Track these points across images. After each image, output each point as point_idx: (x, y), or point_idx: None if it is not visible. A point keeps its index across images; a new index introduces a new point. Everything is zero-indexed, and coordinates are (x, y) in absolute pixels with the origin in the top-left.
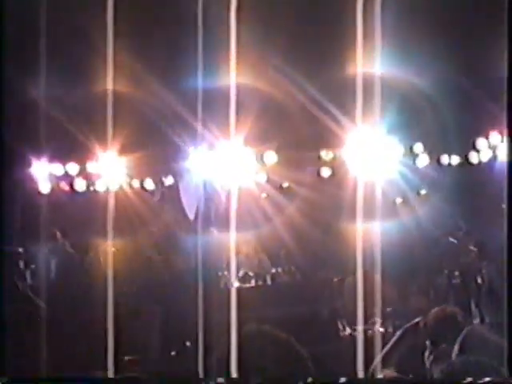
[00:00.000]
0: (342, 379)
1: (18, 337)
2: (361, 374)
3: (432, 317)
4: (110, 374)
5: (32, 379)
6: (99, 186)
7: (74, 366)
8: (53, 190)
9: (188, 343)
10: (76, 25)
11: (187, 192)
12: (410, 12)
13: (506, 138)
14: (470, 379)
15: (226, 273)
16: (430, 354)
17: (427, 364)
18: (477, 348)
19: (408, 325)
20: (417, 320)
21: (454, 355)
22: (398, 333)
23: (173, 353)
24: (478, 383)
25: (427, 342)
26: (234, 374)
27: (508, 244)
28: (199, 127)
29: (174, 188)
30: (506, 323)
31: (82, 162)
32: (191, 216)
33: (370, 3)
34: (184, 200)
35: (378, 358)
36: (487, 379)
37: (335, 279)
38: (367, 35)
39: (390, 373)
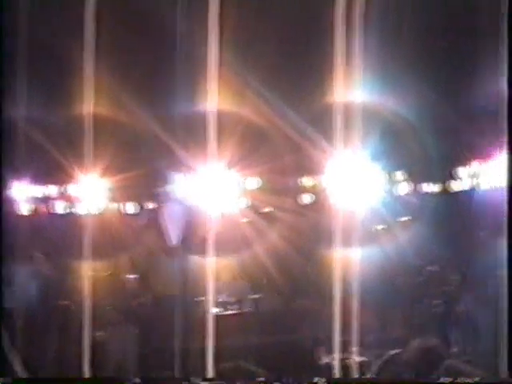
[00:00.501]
0: None
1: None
2: None
3: (412, 349)
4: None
5: (32, 379)
6: (79, 209)
7: None
8: (32, 212)
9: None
10: (56, 47)
11: (169, 217)
12: (391, 39)
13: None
14: (469, 379)
15: (203, 298)
16: None
17: None
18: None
19: (386, 357)
20: (395, 352)
21: None
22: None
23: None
24: (478, 383)
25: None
26: None
27: (508, 253)
28: (180, 151)
29: (156, 212)
30: (506, 323)
31: (62, 185)
32: (173, 241)
33: (350, 29)
34: (166, 224)
35: None
36: (487, 379)
37: (315, 307)
38: (348, 61)
39: None
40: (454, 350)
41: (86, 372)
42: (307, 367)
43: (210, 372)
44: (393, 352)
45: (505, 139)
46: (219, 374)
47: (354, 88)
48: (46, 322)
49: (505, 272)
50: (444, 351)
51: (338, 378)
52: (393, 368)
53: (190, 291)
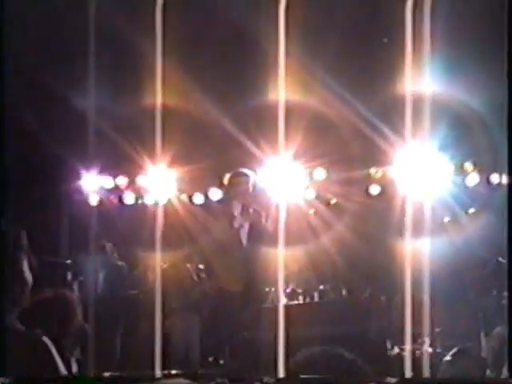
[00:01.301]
0: None
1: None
2: None
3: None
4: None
5: (32, 379)
6: (148, 199)
7: None
8: (102, 202)
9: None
10: (126, 38)
11: (238, 207)
12: (460, 30)
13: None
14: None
15: (273, 289)
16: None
17: None
18: None
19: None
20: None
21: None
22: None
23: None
24: (479, 383)
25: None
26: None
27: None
28: (248, 143)
29: (225, 203)
30: (507, 324)
31: (131, 175)
32: (242, 231)
33: (419, 19)
34: (236, 215)
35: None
36: (488, 379)
37: (383, 297)
38: (417, 52)
39: None
40: None
41: (157, 362)
42: (377, 358)
43: (281, 364)
44: (464, 345)
45: None
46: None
47: (423, 78)
48: (115, 311)
49: None
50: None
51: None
52: (464, 361)
53: (259, 281)
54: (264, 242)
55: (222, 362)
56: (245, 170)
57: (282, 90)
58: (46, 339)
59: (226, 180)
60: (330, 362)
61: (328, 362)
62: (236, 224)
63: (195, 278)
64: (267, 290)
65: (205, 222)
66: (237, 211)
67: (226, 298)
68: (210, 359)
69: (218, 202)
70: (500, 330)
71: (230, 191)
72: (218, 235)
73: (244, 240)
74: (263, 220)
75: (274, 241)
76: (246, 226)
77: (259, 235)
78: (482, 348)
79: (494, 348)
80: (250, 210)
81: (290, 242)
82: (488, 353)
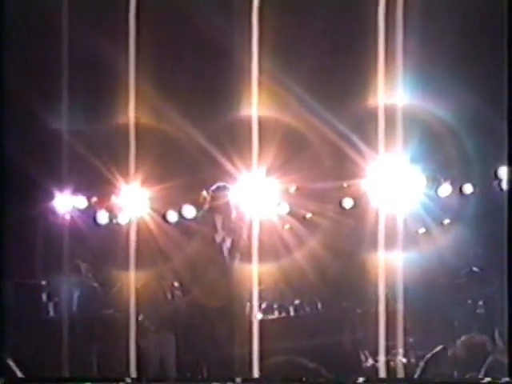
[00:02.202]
0: None
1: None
2: None
3: (460, 345)
4: None
5: (31, 379)
6: (121, 219)
7: None
8: (76, 222)
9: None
10: (98, 55)
11: (213, 224)
12: (431, 42)
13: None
14: (488, 379)
15: (248, 304)
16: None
17: None
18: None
19: (430, 354)
20: (439, 348)
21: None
22: (422, 363)
23: None
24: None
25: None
26: None
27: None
28: (222, 159)
29: (199, 220)
30: (506, 324)
31: (104, 195)
32: (216, 247)
33: (391, 33)
34: (210, 232)
35: None
36: (488, 379)
37: (358, 310)
38: (390, 65)
39: None
40: (499, 347)
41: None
42: (352, 369)
43: (256, 372)
44: (438, 349)
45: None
46: (268, 370)
47: (395, 91)
48: (91, 331)
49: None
50: (489, 348)
51: (383, 378)
52: (437, 366)
53: (239, 297)
54: (246, 256)
55: (200, 377)
56: (226, 184)
57: (255, 105)
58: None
59: (208, 193)
60: (294, 370)
61: (291, 370)
62: (218, 238)
63: (169, 296)
64: (246, 305)
65: (184, 237)
66: (219, 225)
67: (205, 315)
68: (188, 375)
69: (200, 216)
70: (473, 336)
71: (211, 205)
72: (200, 250)
73: (226, 254)
74: (244, 234)
75: (248, 256)
76: (228, 241)
77: (241, 249)
78: (455, 355)
79: (467, 355)
80: (231, 224)
81: (265, 257)
82: (461, 359)
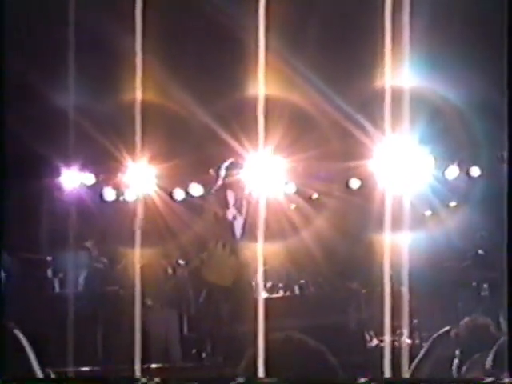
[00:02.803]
0: None
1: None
2: None
3: (463, 327)
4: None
5: (31, 379)
6: (128, 196)
7: None
8: (83, 199)
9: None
10: (105, 33)
11: (219, 203)
12: (440, 24)
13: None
14: (490, 379)
15: (253, 283)
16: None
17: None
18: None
19: (436, 334)
20: (445, 329)
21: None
22: (427, 344)
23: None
24: (481, 383)
25: (457, 352)
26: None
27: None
28: (228, 138)
29: (206, 199)
30: (506, 323)
31: (111, 172)
32: (223, 226)
33: (398, 13)
34: (216, 210)
35: (409, 370)
36: (490, 379)
37: (363, 291)
38: (396, 46)
39: None
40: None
41: (137, 357)
42: (356, 350)
43: (261, 347)
44: (444, 330)
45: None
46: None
47: (402, 72)
48: (96, 307)
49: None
50: (493, 330)
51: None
52: (441, 347)
53: (249, 275)
54: (255, 235)
55: (204, 355)
56: (238, 160)
57: (262, 84)
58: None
59: (222, 169)
60: (293, 347)
61: (291, 347)
62: (229, 215)
63: (170, 272)
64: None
65: (193, 214)
66: (231, 202)
67: (214, 292)
68: (193, 351)
69: (211, 193)
70: (476, 317)
71: (224, 181)
72: (209, 228)
73: (237, 233)
74: (243, 215)
75: (254, 236)
76: (240, 218)
77: (253, 228)
78: (460, 336)
79: (471, 337)
80: (244, 202)
81: (270, 236)
82: (465, 341)
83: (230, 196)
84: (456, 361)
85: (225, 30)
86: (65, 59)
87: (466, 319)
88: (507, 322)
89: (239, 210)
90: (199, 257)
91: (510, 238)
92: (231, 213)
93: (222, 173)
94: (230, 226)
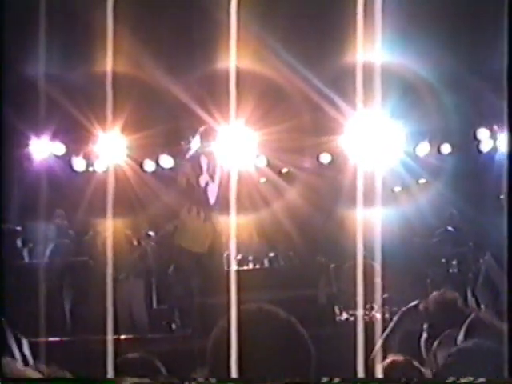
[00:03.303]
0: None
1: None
2: (360, 359)
3: (431, 301)
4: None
5: (30, 379)
6: (98, 167)
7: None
8: (52, 169)
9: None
10: (77, 3)
11: (190, 174)
12: None
13: (506, 131)
14: (470, 378)
15: (224, 254)
16: (429, 338)
17: (425, 348)
18: (479, 334)
19: (405, 308)
20: (415, 303)
21: (458, 340)
22: (396, 317)
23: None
24: (478, 383)
25: (425, 326)
26: (233, 354)
27: (508, 237)
28: (199, 110)
29: (175, 170)
30: (506, 323)
31: (81, 142)
32: (192, 198)
33: None
34: (186, 182)
35: (379, 343)
36: (489, 379)
37: (333, 265)
38: (368, 21)
39: (396, 357)
40: (472, 306)
41: (109, 327)
42: (325, 323)
43: (234, 318)
44: (410, 304)
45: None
46: (243, 316)
47: (373, 48)
48: (65, 277)
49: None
50: (462, 305)
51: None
52: (409, 321)
53: (214, 243)
54: (215, 209)
55: (173, 326)
56: (213, 126)
57: (234, 57)
58: None
59: (199, 132)
60: (264, 318)
61: (262, 318)
62: (202, 182)
63: (138, 243)
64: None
65: (165, 186)
66: (204, 168)
67: (187, 259)
68: (163, 323)
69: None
70: (444, 291)
71: (201, 145)
72: (182, 194)
73: (211, 199)
74: (215, 187)
75: (225, 208)
76: (213, 185)
77: (225, 197)
78: (428, 309)
79: (437, 310)
80: (217, 169)
81: (242, 209)
82: (434, 315)
83: (204, 162)
84: (424, 334)
85: (197, 2)
86: (36, 28)
87: (435, 293)
88: (507, 321)
89: (212, 177)
90: (173, 224)
91: (510, 236)
92: (204, 179)
93: (196, 139)
94: (204, 192)
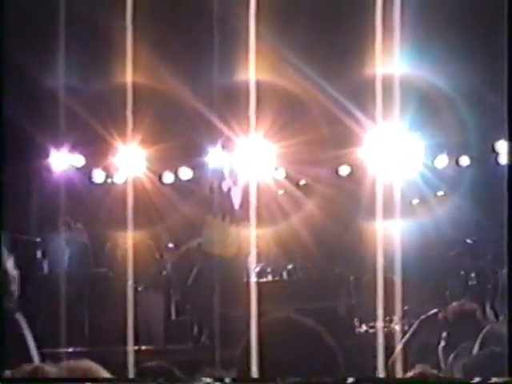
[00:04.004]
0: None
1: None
2: (380, 368)
3: (450, 311)
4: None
5: (30, 379)
6: (117, 178)
7: None
8: (72, 180)
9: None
10: (96, 16)
11: (210, 187)
12: (431, 12)
13: (507, 142)
14: (477, 379)
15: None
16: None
17: (443, 357)
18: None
19: (425, 316)
20: (434, 311)
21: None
22: (415, 324)
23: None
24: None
25: (444, 335)
26: (254, 365)
27: (508, 242)
28: (218, 122)
29: (195, 182)
30: (506, 323)
31: (101, 154)
32: (213, 210)
33: (389, 1)
34: (206, 194)
35: (397, 350)
36: (494, 379)
37: (351, 277)
38: (387, 33)
39: (425, 368)
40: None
41: (130, 338)
42: (345, 335)
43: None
44: (430, 313)
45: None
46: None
47: (392, 60)
48: (84, 288)
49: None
50: (481, 316)
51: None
52: (428, 329)
53: (230, 260)
54: (235, 221)
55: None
56: (233, 136)
57: (253, 70)
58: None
59: (220, 141)
60: (292, 327)
61: (290, 327)
62: (225, 187)
63: (158, 256)
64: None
65: (175, 200)
66: (227, 172)
67: (214, 264)
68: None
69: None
70: (463, 302)
71: (222, 153)
72: (207, 201)
73: (236, 203)
74: (234, 200)
75: (245, 220)
76: (235, 189)
77: (246, 205)
78: (447, 318)
79: (456, 319)
80: (238, 173)
81: (259, 221)
82: (450, 324)
83: (226, 168)
84: (442, 343)
85: (216, 15)
86: (56, 41)
87: (454, 304)
88: (507, 320)
89: (234, 181)
90: (196, 241)
91: (510, 236)
92: (227, 184)
93: (218, 147)
94: (228, 196)
